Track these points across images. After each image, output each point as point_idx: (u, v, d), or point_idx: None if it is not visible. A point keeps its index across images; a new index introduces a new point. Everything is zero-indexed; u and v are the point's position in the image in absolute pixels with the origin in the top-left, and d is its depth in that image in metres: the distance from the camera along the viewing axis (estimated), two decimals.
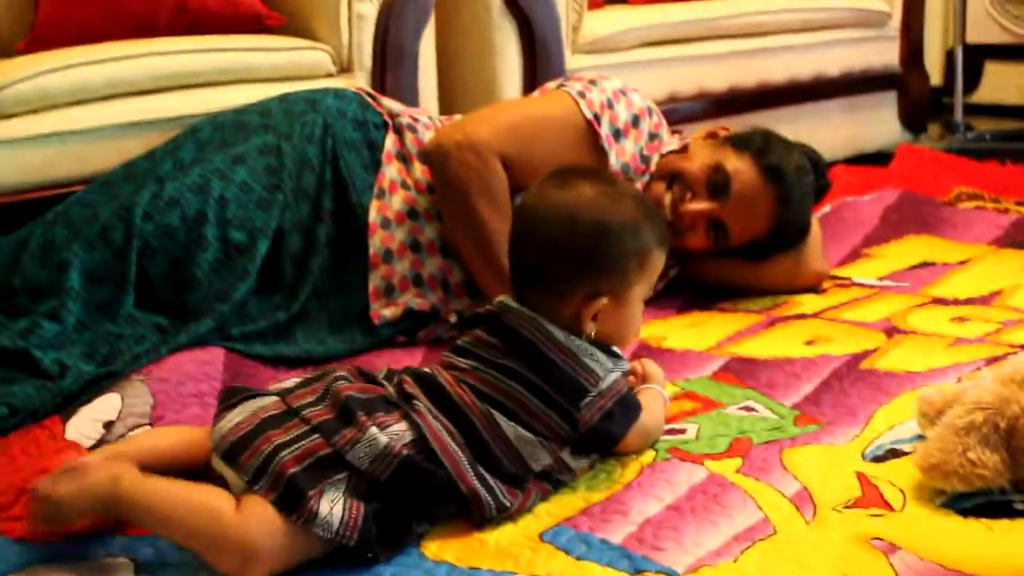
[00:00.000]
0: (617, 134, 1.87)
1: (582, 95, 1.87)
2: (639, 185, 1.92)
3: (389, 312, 1.83)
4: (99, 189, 1.85)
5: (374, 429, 1.17)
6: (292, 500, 1.12)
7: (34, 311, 1.70)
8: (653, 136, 1.94)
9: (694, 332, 1.85)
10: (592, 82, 1.91)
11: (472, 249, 1.80)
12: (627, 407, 1.32)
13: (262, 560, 1.10)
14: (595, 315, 1.31)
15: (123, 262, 1.74)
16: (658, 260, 1.36)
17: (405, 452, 1.17)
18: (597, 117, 1.86)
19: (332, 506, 1.13)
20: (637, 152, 1.91)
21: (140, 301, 1.77)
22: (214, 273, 1.78)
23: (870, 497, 1.25)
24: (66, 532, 1.19)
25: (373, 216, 1.85)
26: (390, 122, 1.92)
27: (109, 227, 1.75)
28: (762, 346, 1.76)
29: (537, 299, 1.31)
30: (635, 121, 1.91)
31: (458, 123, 1.87)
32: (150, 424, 1.50)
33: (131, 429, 1.48)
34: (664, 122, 1.99)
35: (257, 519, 1.11)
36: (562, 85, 1.93)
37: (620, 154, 1.88)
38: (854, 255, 2.30)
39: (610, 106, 1.88)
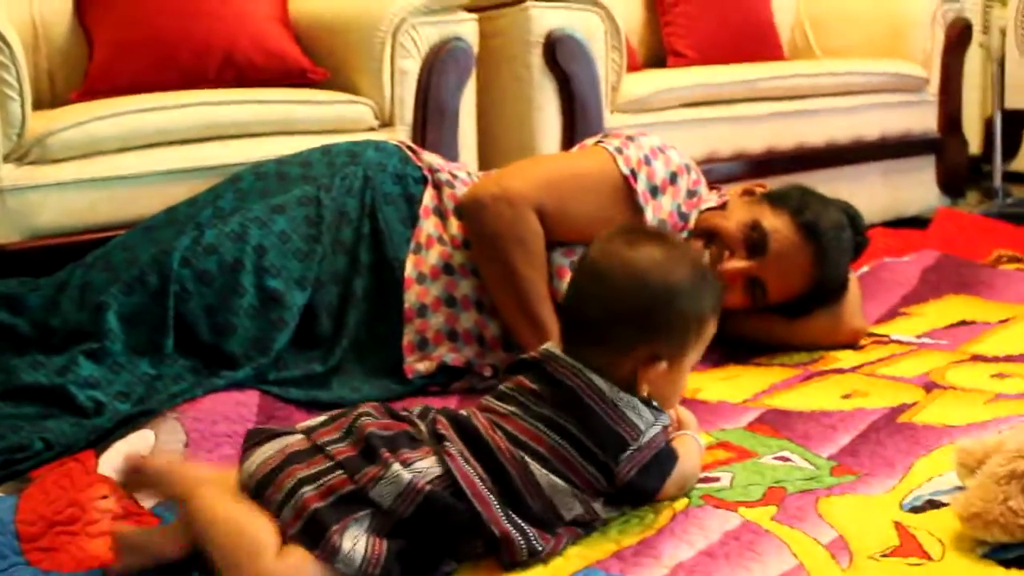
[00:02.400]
0: (654, 191, 1.86)
1: (619, 151, 1.86)
2: None
3: (423, 366, 1.83)
4: (140, 234, 1.88)
5: (397, 466, 1.17)
6: (315, 534, 1.12)
7: (70, 349, 1.72)
8: (691, 193, 1.93)
9: (729, 384, 1.83)
10: (630, 138, 1.90)
11: (508, 301, 1.80)
12: (663, 460, 1.31)
13: None
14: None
15: (160, 306, 1.76)
16: (713, 327, 1.35)
17: (428, 488, 1.16)
18: (634, 173, 1.84)
19: (355, 543, 1.13)
20: (675, 209, 1.89)
21: (179, 344, 1.78)
22: (250, 320, 1.79)
23: (908, 547, 1.22)
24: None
25: (409, 271, 1.85)
26: (429, 176, 1.93)
27: (147, 271, 1.77)
28: (798, 399, 1.74)
29: (591, 354, 1.30)
30: (673, 178, 1.89)
31: (494, 176, 1.88)
32: None
33: None
34: (703, 179, 1.98)
35: (294, 564, 1.11)
36: (600, 142, 1.92)
37: (657, 210, 1.86)
38: (892, 314, 2.28)
39: (647, 163, 1.87)
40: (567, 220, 1.81)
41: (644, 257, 1.30)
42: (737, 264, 1.86)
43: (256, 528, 1.14)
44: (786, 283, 1.89)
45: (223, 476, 1.29)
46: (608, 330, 1.29)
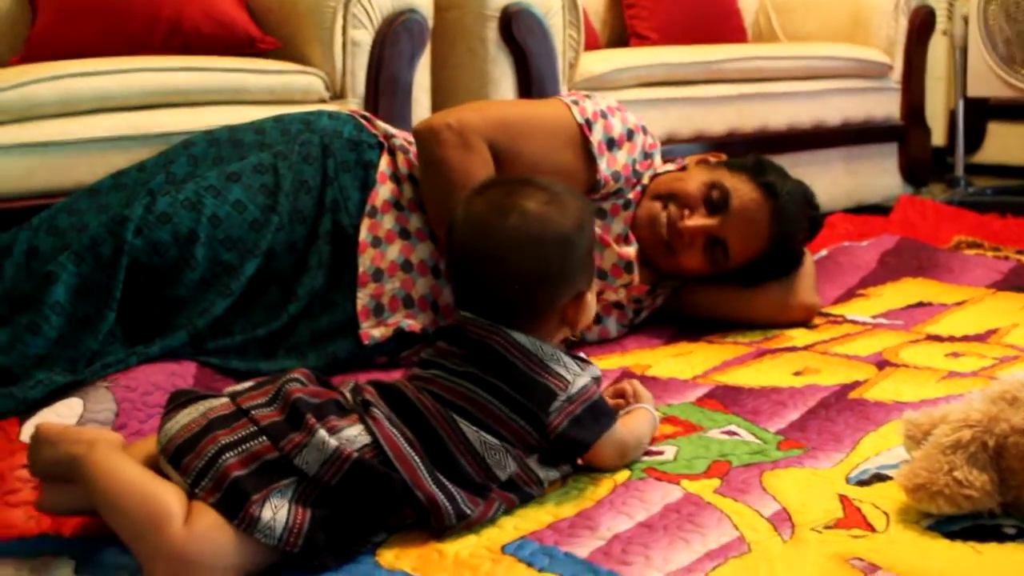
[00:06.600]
0: (611, 143, 1.87)
1: (575, 103, 1.89)
2: (631, 196, 1.91)
3: (379, 332, 1.78)
4: (87, 197, 1.79)
5: (323, 432, 1.12)
6: (234, 504, 1.07)
7: (14, 322, 1.64)
8: (647, 155, 1.94)
9: (681, 361, 1.80)
10: (587, 95, 1.93)
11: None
12: (598, 413, 1.27)
13: (201, 574, 1.05)
14: None
15: (111, 278, 1.68)
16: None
17: (355, 456, 1.12)
18: (589, 123, 1.85)
19: (276, 512, 1.08)
20: (630, 163, 1.90)
21: (120, 313, 1.72)
22: (198, 292, 1.73)
23: (852, 519, 1.19)
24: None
25: (364, 235, 1.81)
26: (385, 143, 1.89)
27: (99, 240, 1.69)
28: (749, 376, 1.71)
29: (518, 325, 1.25)
30: (630, 135, 1.91)
31: (451, 109, 1.88)
32: None
33: None
34: (659, 145, 1.98)
35: (203, 532, 1.05)
36: (557, 95, 1.93)
37: (611, 163, 1.87)
38: (849, 295, 2.25)
39: (604, 116, 1.88)
40: (519, 160, 1.80)
41: (522, 220, 1.25)
42: (699, 221, 1.85)
43: (162, 492, 1.07)
44: (746, 242, 1.87)
45: (135, 442, 1.24)
46: (531, 300, 1.26)
